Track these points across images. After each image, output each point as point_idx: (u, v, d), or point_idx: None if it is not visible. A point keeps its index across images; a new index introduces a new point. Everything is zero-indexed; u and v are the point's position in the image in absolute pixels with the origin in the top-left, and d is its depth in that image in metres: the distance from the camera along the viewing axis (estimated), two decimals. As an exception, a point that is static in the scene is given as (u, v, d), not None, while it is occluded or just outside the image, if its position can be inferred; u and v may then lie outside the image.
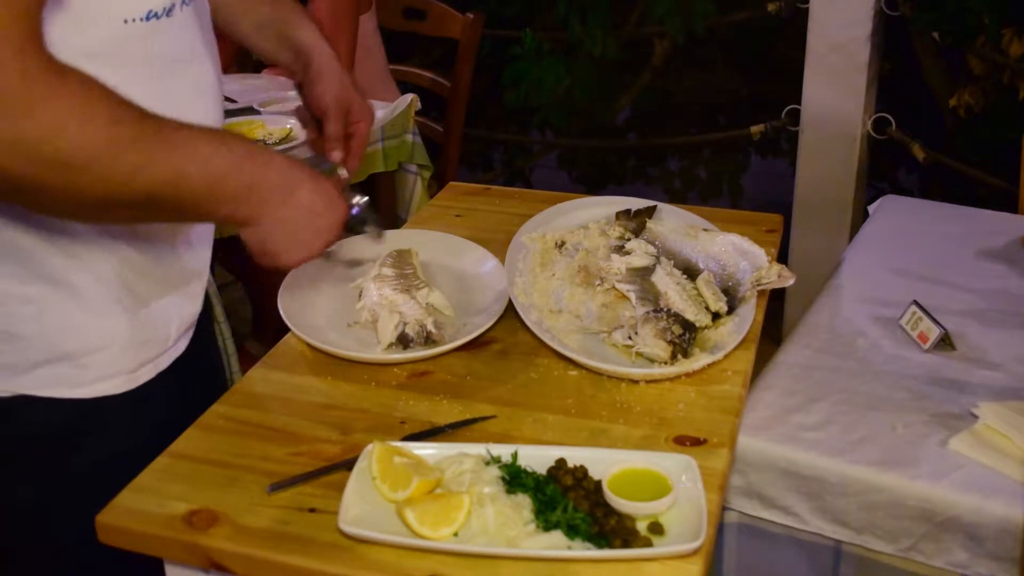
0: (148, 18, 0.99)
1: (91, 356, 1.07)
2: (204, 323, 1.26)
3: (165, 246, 1.13)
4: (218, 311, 1.39)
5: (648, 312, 1.21)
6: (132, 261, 1.08)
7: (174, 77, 1.05)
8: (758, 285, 1.28)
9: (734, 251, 1.34)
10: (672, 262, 1.32)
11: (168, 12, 1.01)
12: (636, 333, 1.18)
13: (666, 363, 1.16)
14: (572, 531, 0.91)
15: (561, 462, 0.98)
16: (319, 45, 1.30)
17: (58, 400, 1.07)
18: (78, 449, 1.09)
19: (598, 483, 0.96)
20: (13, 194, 0.90)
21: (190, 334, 1.20)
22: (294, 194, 1.05)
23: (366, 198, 1.22)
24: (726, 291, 1.28)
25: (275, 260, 1.10)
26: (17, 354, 1.05)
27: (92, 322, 1.06)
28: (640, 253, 1.32)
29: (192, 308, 1.20)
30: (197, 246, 1.19)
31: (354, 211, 1.19)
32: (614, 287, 1.29)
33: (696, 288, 1.27)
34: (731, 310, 1.26)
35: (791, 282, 1.28)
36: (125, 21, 0.97)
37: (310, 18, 1.32)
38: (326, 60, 1.30)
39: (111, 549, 0.98)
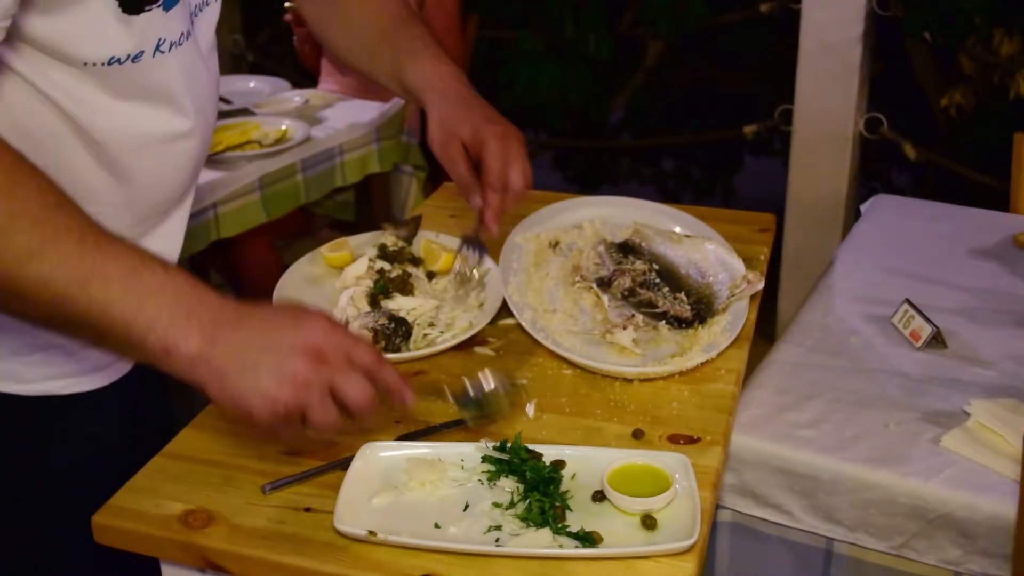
0: (110, 63, 0.95)
1: None
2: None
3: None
4: None
5: (647, 312, 1.23)
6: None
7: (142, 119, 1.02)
8: (733, 297, 1.28)
9: (714, 260, 1.33)
10: (656, 265, 1.32)
11: (135, 58, 0.97)
12: (643, 323, 1.20)
13: (691, 324, 1.23)
14: (569, 530, 0.92)
15: (560, 462, 0.99)
16: (431, 85, 1.20)
17: None
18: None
19: (597, 481, 0.97)
20: None
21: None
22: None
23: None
24: (701, 300, 1.28)
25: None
26: None
27: None
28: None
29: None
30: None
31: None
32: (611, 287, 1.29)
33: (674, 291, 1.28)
34: (703, 320, 1.25)
35: (760, 287, 1.28)
36: (85, 64, 0.94)
37: (429, 41, 1.23)
38: (437, 103, 1.20)
39: None
